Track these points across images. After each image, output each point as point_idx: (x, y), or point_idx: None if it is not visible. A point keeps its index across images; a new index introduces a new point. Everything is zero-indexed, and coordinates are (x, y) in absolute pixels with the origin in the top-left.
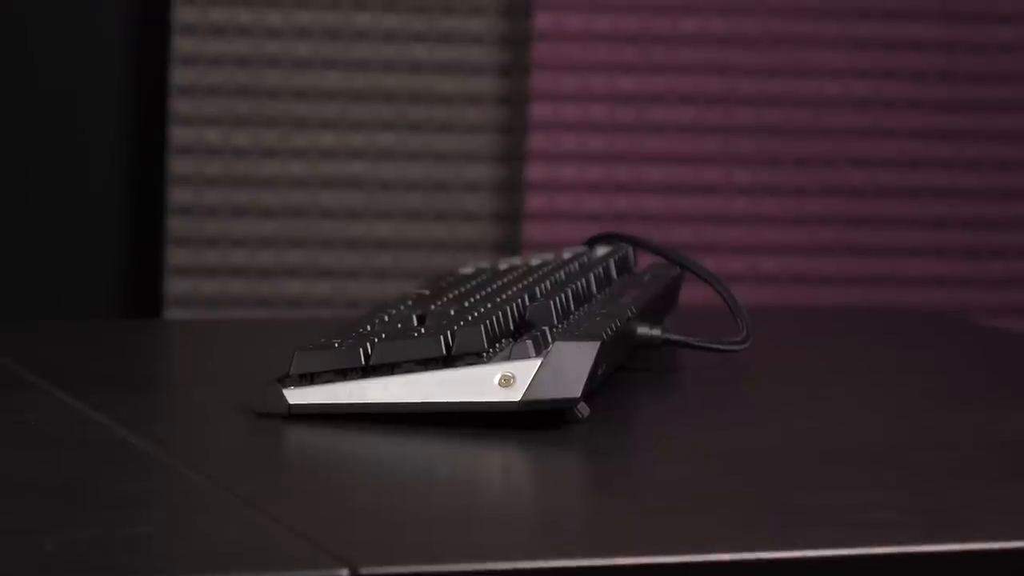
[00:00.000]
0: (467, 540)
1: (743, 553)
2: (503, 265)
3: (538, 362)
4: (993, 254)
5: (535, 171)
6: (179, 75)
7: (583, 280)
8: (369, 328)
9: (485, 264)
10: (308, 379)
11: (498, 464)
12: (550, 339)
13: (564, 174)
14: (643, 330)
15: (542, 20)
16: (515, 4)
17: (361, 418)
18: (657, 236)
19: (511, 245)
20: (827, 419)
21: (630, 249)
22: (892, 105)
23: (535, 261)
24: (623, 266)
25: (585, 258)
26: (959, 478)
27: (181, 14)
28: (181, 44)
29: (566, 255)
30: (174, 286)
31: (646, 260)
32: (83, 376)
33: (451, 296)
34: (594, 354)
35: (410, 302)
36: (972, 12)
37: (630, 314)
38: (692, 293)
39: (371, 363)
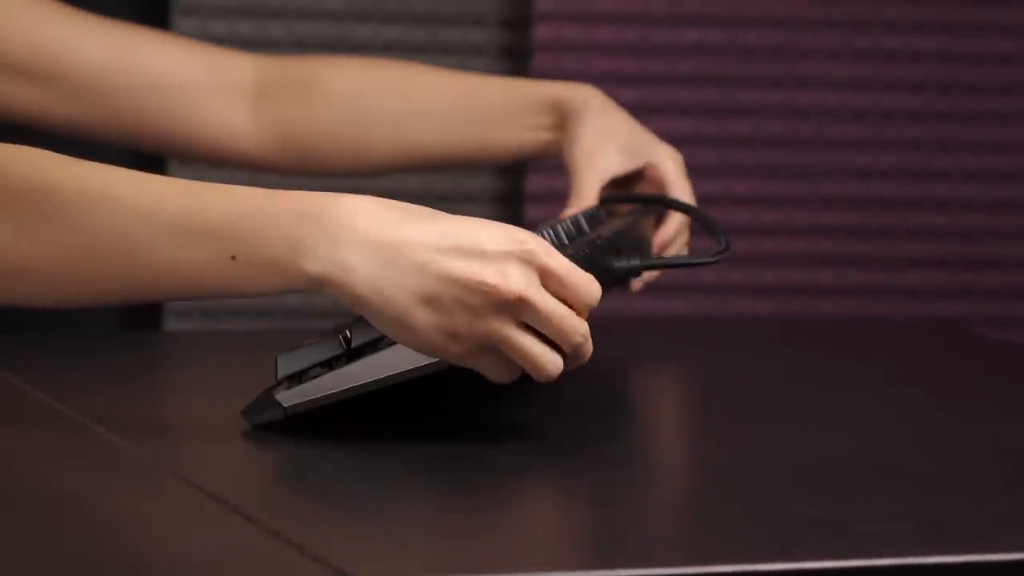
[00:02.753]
0: (464, 551)
1: (743, 564)
2: None
3: None
4: (993, 265)
5: (535, 182)
6: None
7: (550, 229)
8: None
9: None
10: (298, 379)
11: (497, 475)
12: None
13: (563, 185)
14: (621, 263)
15: (542, 31)
16: (515, 15)
17: (358, 429)
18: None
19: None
20: (827, 430)
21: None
22: (892, 116)
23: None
24: (594, 222)
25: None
26: (958, 489)
27: (180, 27)
28: None
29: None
30: None
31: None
32: (82, 389)
33: None
34: None
35: None
36: (972, 23)
37: (599, 243)
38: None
39: (353, 346)
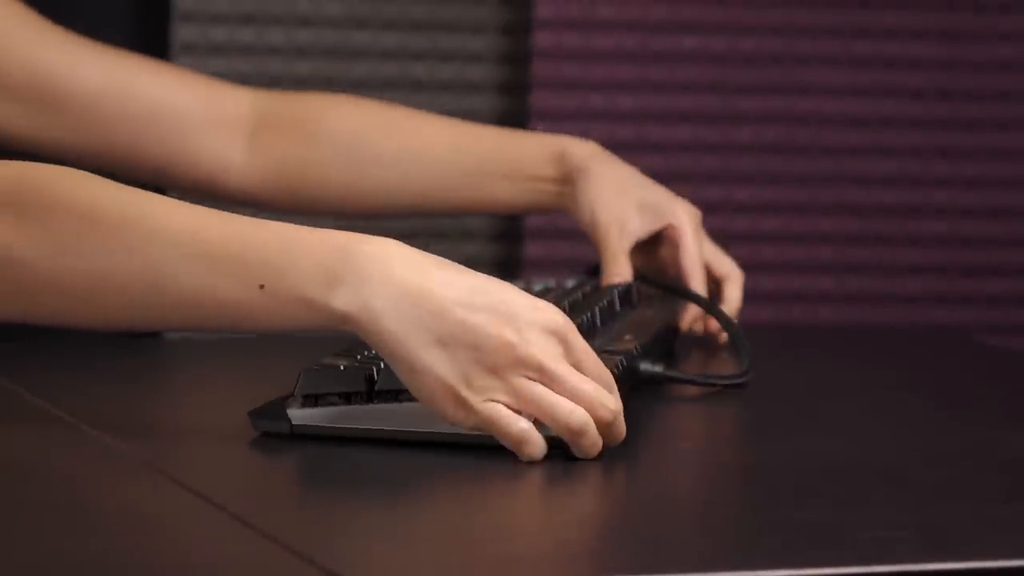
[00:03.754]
0: (468, 559)
1: (744, 572)
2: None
3: None
4: (993, 272)
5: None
6: None
7: (588, 314)
8: (374, 351)
9: None
10: (312, 400)
11: (500, 482)
12: None
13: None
14: (646, 366)
15: (542, 38)
16: (515, 22)
17: (362, 438)
18: None
19: (511, 263)
20: (827, 437)
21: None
22: (892, 123)
23: (537, 287)
24: (627, 299)
25: (589, 288)
26: (959, 496)
27: (180, 34)
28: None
29: (569, 284)
30: None
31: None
32: (84, 395)
33: None
34: None
35: None
36: (972, 30)
37: (635, 352)
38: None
39: (377, 388)
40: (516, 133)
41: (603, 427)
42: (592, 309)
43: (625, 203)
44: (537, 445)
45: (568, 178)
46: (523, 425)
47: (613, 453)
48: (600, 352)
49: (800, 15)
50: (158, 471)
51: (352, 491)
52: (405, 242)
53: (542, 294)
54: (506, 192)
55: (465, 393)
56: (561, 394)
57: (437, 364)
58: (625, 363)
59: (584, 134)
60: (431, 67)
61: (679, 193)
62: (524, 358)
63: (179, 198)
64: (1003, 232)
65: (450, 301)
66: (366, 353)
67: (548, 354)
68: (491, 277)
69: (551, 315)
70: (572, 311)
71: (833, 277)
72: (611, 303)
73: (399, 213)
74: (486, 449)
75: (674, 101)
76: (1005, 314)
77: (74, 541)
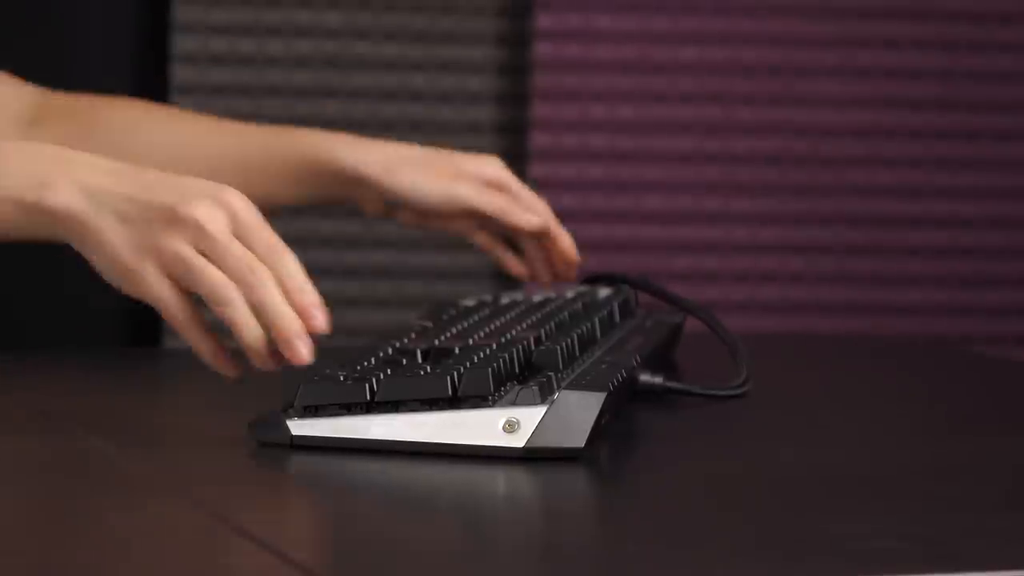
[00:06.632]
0: (466, 571)
1: None
2: (504, 299)
3: (543, 409)
4: (993, 283)
5: None
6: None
7: (588, 324)
8: (373, 361)
9: (487, 296)
10: (312, 411)
11: (499, 494)
12: (556, 386)
13: (564, 202)
14: (645, 377)
15: (542, 49)
16: (515, 33)
17: (361, 449)
18: (656, 265)
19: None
20: (827, 448)
21: (632, 291)
22: (891, 134)
23: (537, 297)
24: (626, 309)
25: (588, 298)
26: (959, 507)
27: (179, 45)
28: (181, 72)
29: (568, 294)
30: None
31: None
32: (83, 405)
33: (455, 331)
34: (600, 405)
35: (413, 335)
36: (971, 40)
37: (635, 363)
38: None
39: (376, 399)
40: (277, 137)
41: (254, 299)
42: (592, 319)
43: (444, 169)
44: (176, 307)
45: (344, 178)
46: (164, 292)
47: (612, 463)
48: (600, 363)
49: (800, 26)
50: (157, 481)
51: (352, 502)
52: (405, 252)
53: (541, 305)
54: (273, 196)
55: (127, 257)
56: (216, 261)
57: (118, 237)
58: (625, 374)
59: (584, 144)
60: (431, 78)
61: (678, 203)
62: (183, 218)
63: None
64: (1003, 243)
65: (138, 183)
66: (366, 364)
67: (209, 218)
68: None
69: (223, 190)
70: (571, 321)
71: (832, 287)
72: (611, 314)
73: None
74: (487, 459)
75: (674, 112)
76: (1005, 325)
77: (72, 552)
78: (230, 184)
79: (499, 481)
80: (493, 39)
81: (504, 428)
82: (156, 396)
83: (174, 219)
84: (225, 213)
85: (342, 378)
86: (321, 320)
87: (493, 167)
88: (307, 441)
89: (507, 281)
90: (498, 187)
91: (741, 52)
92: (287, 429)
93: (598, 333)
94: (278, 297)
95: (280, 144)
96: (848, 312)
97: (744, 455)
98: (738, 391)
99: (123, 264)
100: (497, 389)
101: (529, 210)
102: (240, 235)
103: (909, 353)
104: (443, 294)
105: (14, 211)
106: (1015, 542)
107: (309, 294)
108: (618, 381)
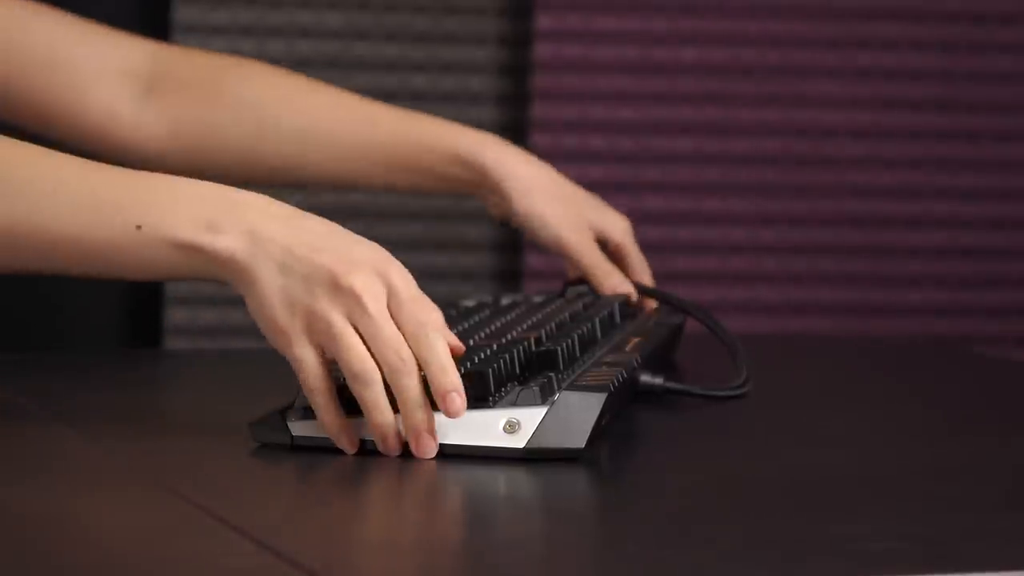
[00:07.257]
0: (466, 571)
1: None
2: (505, 300)
3: (544, 410)
4: (993, 283)
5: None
6: None
7: (589, 325)
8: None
9: (487, 297)
10: (312, 411)
11: (500, 494)
12: (556, 387)
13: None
14: (645, 378)
15: (542, 50)
16: (516, 34)
17: (362, 448)
18: (656, 265)
19: (511, 274)
20: (827, 448)
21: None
22: (891, 134)
23: (537, 298)
24: (626, 310)
25: (589, 299)
26: (959, 507)
27: (180, 45)
28: None
29: (569, 295)
30: (174, 315)
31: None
32: (83, 406)
33: (455, 332)
34: (600, 406)
35: None
36: (971, 42)
37: (636, 364)
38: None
39: None
40: (419, 123)
41: (396, 384)
42: (593, 320)
43: (575, 213)
44: (314, 374)
45: (484, 183)
46: (307, 356)
47: (612, 464)
48: (600, 364)
49: (800, 27)
50: (158, 482)
51: (352, 502)
52: (405, 253)
53: (541, 305)
54: (407, 182)
55: (279, 311)
56: (367, 327)
57: (272, 284)
58: (625, 375)
59: (585, 145)
60: (432, 78)
61: (678, 204)
62: (343, 287)
63: (66, 150)
64: (1003, 243)
65: (306, 237)
66: None
67: (367, 290)
68: (348, 232)
69: (387, 261)
70: (572, 322)
71: (832, 288)
72: (612, 314)
73: (299, 184)
74: (486, 459)
75: (674, 112)
76: (1005, 325)
77: (73, 553)
78: (368, 172)
79: (500, 481)
80: (494, 40)
81: (505, 429)
82: (156, 396)
83: (334, 286)
84: (384, 285)
85: (343, 380)
86: (458, 405)
87: (618, 231)
88: (307, 442)
89: (508, 281)
90: (616, 250)
91: (741, 53)
92: (287, 430)
93: (599, 334)
94: (417, 389)
95: (423, 137)
96: (848, 312)
97: (744, 455)
98: (738, 392)
99: (273, 317)
100: (498, 390)
101: (624, 283)
102: (394, 309)
103: (909, 353)
104: (443, 295)
105: (172, 252)
106: (1015, 542)
107: (451, 377)
108: (619, 382)
